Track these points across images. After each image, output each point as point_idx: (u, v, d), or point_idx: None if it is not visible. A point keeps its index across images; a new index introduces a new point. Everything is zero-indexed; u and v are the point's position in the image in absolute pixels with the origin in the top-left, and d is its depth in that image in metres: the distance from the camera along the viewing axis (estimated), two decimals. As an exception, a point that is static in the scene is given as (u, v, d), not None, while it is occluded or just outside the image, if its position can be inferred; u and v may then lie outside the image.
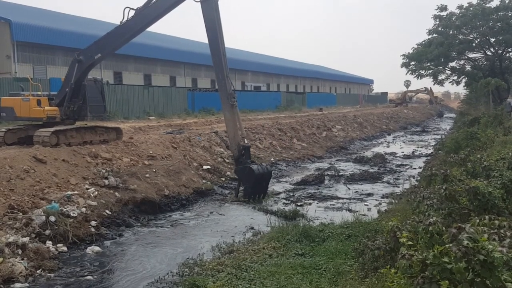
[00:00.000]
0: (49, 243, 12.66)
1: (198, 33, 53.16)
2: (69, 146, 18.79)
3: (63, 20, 49.39)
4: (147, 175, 18.92)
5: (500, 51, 52.11)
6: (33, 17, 42.79)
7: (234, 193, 19.97)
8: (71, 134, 19.42)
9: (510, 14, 48.87)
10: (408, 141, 46.07)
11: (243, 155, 19.37)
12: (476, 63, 55.62)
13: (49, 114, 19.23)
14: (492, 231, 4.85)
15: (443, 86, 60.42)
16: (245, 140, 20.02)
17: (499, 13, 49.08)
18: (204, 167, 22.57)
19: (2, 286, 10.27)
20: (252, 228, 14.85)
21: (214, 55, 18.96)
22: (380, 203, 18.01)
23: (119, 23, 18.97)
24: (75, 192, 15.81)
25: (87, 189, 16.48)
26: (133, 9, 18.48)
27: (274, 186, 21.68)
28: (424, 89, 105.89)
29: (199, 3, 18.50)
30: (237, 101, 19.33)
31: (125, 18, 18.59)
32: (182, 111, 42.18)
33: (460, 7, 52.04)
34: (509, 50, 51.98)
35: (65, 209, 14.15)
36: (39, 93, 20.00)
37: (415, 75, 56.86)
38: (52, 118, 19.34)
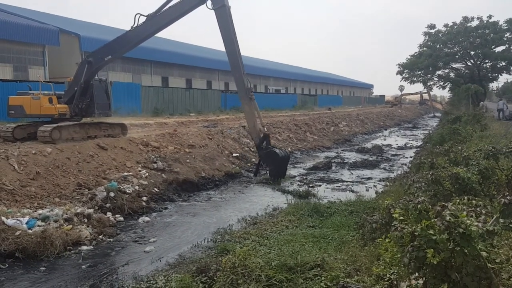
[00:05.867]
0: (109, 214, 12.88)
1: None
2: (72, 140, 17.08)
3: (121, 33, 49.75)
4: (188, 161, 19.04)
5: (479, 62, 52.24)
6: (97, 32, 43.16)
7: (254, 173, 19.70)
8: (74, 129, 17.59)
9: (487, 32, 49.04)
10: (402, 135, 45.46)
11: (263, 141, 18.65)
12: (459, 71, 55.58)
13: (60, 111, 17.75)
14: (470, 209, 4.77)
15: (432, 90, 60.29)
16: (265, 128, 19.03)
17: (478, 31, 49.48)
18: (234, 154, 22.61)
19: (71, 247, 10.49)
20: (272, 204, 14.82)
21: (230, 56, 17.50)
22: (377, 185, 17.87)
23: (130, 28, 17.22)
24: (130, 173, 16.03)
25: (140, 171, 16.68)
26: (143, 15, 16.80)
27: (290, 171, 21.60)
28: (426, 91, 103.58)
29: (213, 10, 16.88)
30: (254, 95, 18.09)
31: (135, 24, 16.89)
32: (217, 109, 42.12)
33: (446, 25, 52.58)
34: (486, 61, 52.11)
35: (122, 187, 14.37)
36: (46, 92, 18.21)
37: (408, 82, 56.75)
38: (63, 115, 17.73)
